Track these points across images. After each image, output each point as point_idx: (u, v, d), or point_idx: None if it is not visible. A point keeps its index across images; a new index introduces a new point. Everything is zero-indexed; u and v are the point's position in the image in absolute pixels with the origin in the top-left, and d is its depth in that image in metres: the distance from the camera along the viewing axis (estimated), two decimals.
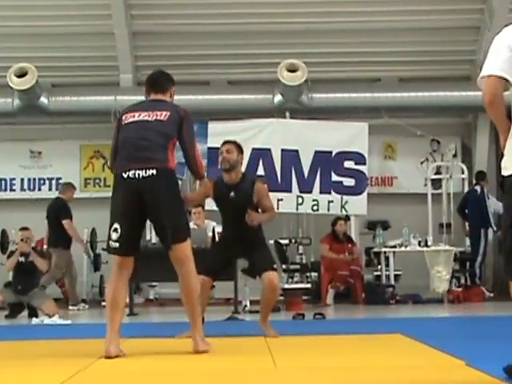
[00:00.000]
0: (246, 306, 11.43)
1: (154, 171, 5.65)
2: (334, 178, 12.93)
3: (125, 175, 5.69)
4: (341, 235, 13.16)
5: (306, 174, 12.83)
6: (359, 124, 13.27)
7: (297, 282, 12.77)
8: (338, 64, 14.51)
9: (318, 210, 12.88)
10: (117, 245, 5.74)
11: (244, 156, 7.49)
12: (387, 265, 13.19)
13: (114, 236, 5.73)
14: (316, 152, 12.86)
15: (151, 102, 6.11)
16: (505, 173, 4.35)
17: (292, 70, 13.17)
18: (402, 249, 13.07)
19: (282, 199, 12.73)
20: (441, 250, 12.74)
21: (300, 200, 12.80)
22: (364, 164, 13.03)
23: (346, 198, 12.92)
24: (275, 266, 7.33)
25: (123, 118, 5.96)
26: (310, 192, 12.85)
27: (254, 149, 12.75)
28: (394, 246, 13.09)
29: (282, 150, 12.80)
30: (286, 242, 13.33)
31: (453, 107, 14.23)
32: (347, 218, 13.41)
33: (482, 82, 4.37)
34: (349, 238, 13.32)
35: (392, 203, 14.33)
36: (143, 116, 5.88)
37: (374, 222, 13.71)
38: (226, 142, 7.44)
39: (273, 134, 12.88)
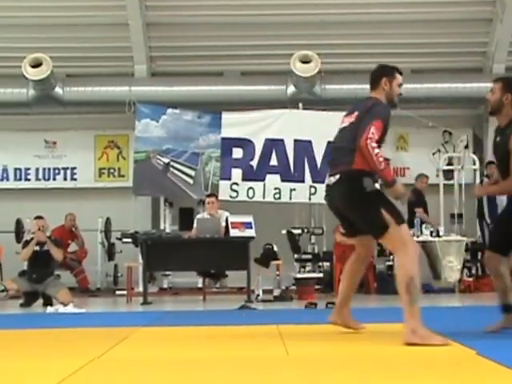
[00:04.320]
0: (258, 295, 11.50)
1: (338, 176, 5.87)
2: None
3: (326, 181, 6.14)
4: None
5: (318, 165, 12.86)
6: None
7: (309, 272, 12.83)
8: (350, 55, 14.55)
9: None
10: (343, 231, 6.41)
11: None
12: None
13: None
14: (329, 143, 12.88)
15: (356, 104, 6.20)
16: None
17: (305, 61, 13.23)
18: (414, 239, 13.09)
19: (294, 189, 12.80)
20: (452, 240, 12.77)
21: (313, 190, 12.84)
22: None
23: None
24: None
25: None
26: (323, 182, 12.85)
27: (267, 139, 12.81)
28: None
29: (295, 141, 12.84)
30: (299, 231, 13.39)
31: (464, 99, 14.27)
32: None
33: None
34: None
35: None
36: (344, 123, 6.05)
37: None
38: (494, 81, 6.44)
39: (286, 124, 12.91)
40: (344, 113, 6.16)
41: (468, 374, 4.40)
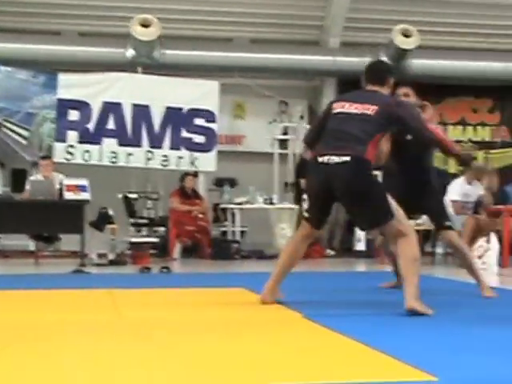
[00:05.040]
0: (92, 258, 11.47)
1: (348, 158, 5.67)
2: (185, 134, 13.03)
3: (320, 159, 5.80)
4: (189, 191, 13.35)
5: (156, 130, 12.87)
6: (211, 82, 13.38)
7: (144, 236, 12.90)
8: (191, 22, 14.51)
9: (167, 165, 12.97)
10: (307, 215, 6.05)
11: None
12: (233, 221, 13.51)
13: (306, 207, 6.08)
14: (167, 108, 12.91)
15: (365, 92, 6.09)
16: None
17: (145, 25, 13.14)
18: (248, 206, 13.40)
19: (131, 154, 12.76)
20: (285, 208, 13.11)
21: (150, 155, 12.85)
22: (214, 122, 13.18)
23: (195, 154, 13.06)
24: None
25: (333, 106, 6.04)
26: (160, 147, 12.91)
27: (104, 102, 12.68)
28: (241, 203, 13.39)
29: (134, 105, 12.78)
30: (135, 196, 13.41)
31: (301, 70, 14.56)
32: (196, 174, 13.59)
33: None
34: (197, 194, 13.53)
35: (240, 161, 14.56)
36: (352, 108, 5.89)
37: (222, 179, 13.95)
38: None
39: (124, 88, 12.83)
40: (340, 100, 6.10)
41: (293, 335, 4.61)
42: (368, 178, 5.71)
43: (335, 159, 5.71)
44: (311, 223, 6.07)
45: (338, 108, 5.99)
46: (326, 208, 6.04)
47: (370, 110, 5.83)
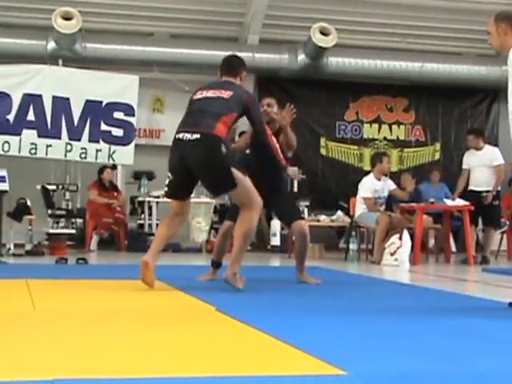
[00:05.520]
0: (9, 248, 11.51)
1: (198, 135, 6.32)
2: (104, 127, 13.10)
3: (177, 136, 6.50)
4: (107, 183, 13.49)
5: (75, 122, 12.90)
6: (130, 76, 13.47)
7: (62, 228, 12.98)
8: (112, 15, 14.56)
9: (86, 157, 13.03)
10: (168, 190, 6.76)
11: None
12: (150, 214, 13.65)
13: (167, 183, 6.71)
14: (87, 101, 12.95)
15: (221, 82, 6.85)
16: None
17: (67, 17, 13.19)
18: (165, 199, 13.50)
19: (50, 145, 12.78)
20: (202, 202, 13.27)
21: (69, 147, 12.88)
22: (133, 115, 13.28)
23: (114, 147, 13.14)
24: None
25: (194, 94, 6.78)
26: (79, 140, 12.95)
27: (25, 94, 12.67)
28: (158, 197, 13.52)
29: (54, 97, 12.80)
30: (54, 187, 13.48)
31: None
32: (114, 167, 13.71)
33: None
34: (115, 187, 13.67)
35: (158, 155, 14.55)
36: (209, 93, 6.64)
37: (140, 172, 14.05)
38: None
39: (45, 80, 12.83)
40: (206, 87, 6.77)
41: (207, 328, 4.74)
42: (216, 153, 6.34)
43: (188, 136, 6.40)
44: (172, 197, 6.82)
45: (198, 95, 6.72)
46: (186, 183, 6.69)
47: (226, 94, 6.59)
